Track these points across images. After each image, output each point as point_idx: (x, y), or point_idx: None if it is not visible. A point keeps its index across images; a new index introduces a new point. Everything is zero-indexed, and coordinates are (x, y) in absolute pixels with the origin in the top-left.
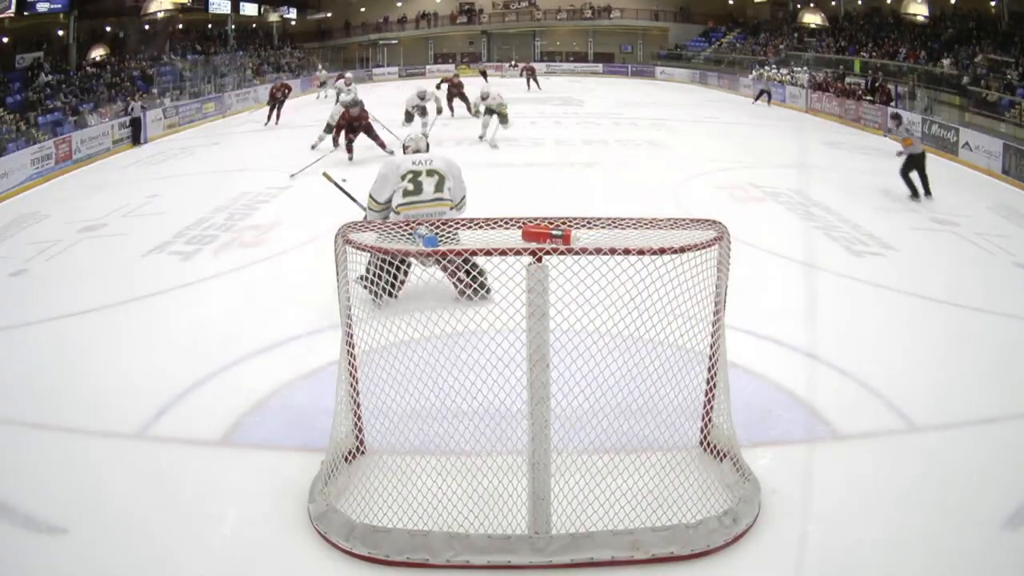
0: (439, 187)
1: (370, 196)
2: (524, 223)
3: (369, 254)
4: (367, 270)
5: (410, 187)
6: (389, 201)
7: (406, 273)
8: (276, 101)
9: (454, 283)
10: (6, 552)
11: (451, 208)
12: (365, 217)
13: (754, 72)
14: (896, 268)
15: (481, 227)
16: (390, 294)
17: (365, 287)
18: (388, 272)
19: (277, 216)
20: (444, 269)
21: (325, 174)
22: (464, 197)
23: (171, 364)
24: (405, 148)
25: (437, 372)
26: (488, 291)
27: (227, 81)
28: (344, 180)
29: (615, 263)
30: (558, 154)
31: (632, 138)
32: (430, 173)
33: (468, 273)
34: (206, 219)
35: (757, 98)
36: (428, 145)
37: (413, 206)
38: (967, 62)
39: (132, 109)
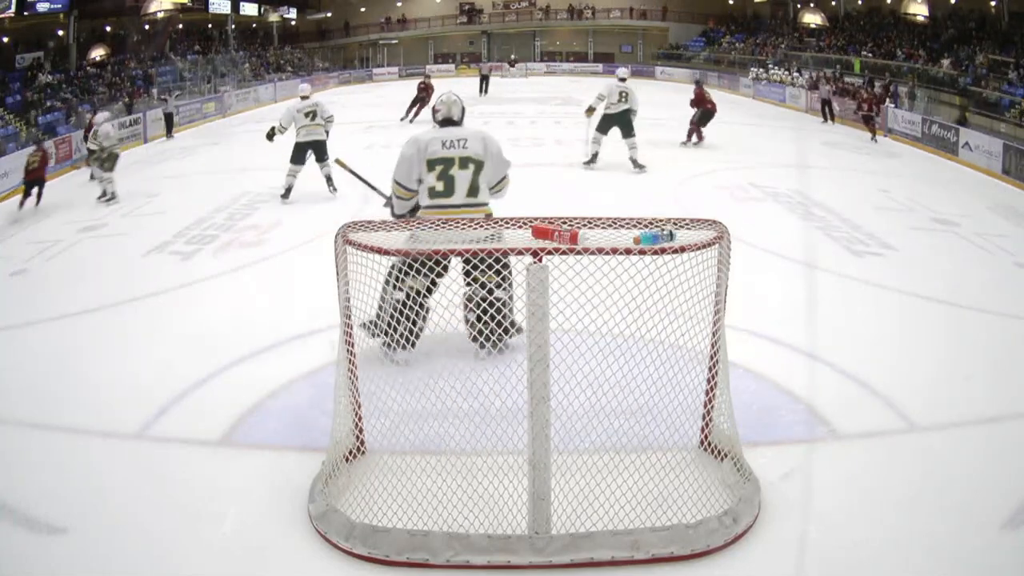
0: (474, 184)
1: (395, 182)
2: (531, 223)
3: (382, 296)
4: (378, 315)
5: (439, 186)
6: (418, 186)
7: (425, 319)
8: (36, 180)
9: (473, 333)
10: (6, 552)
11: (485, 214)
12: (390, 204)
13: (804, 75)
14: (896, 268)
15: (486, 227)
16: (405, 345)
17: (375, 335)
18: (407, 316)
19: (277, 216)
20: (466, 320)
21: (338, 160)
22: (503, 179)
23: (171, 364)
24: (435, 113)
25: (437, 372)
26: (506, 346)
27: (227, 81)
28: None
29: (615, 263)
30: (558, 154)
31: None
32: (464, 163)
33: (496, 323)
34: (206, 219)
35: (824, 111)
36: (463, 112)
37: (440, 210)
38: (967, 62)
39: (167, 103)
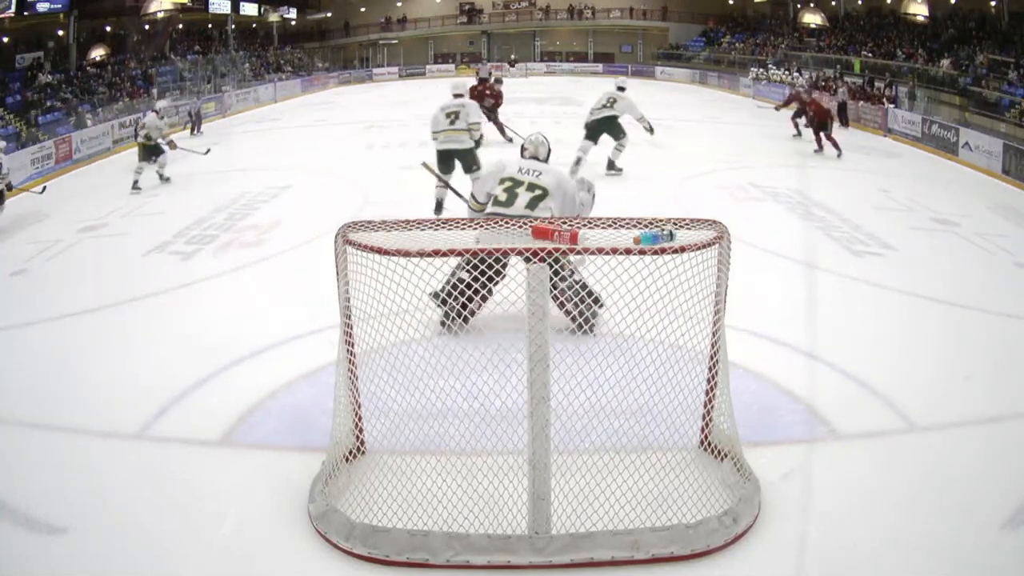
0: (533, 204)
1: (471, 196)
2: (532, 223)
3: (456, 266)
4: (447, 287)
5: (502, 196)
6: (487, 200)
7: (483, 301)
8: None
9: (566, 314)
10: (6, 552)
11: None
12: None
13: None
14: (896, 268)
15: (490, 227)
16: (467, 318)
17: (440, 307)
18: (475, 290)
19: (277, 216)
20: (554, 299)
21: (425, 164)
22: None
23: (171, 364)
24: (523, 151)
25: (438, 372)
26: (593, 328)
27: (227, 81)
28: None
29: (615, 263)
30: (558, 154)
31: (632, 138)
32: (532, 187)
33: (581, 302)
34: (206, 219)
35: (840, 115)
36: (549, 153)
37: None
38: (967, 62)
39: (192, 105)
